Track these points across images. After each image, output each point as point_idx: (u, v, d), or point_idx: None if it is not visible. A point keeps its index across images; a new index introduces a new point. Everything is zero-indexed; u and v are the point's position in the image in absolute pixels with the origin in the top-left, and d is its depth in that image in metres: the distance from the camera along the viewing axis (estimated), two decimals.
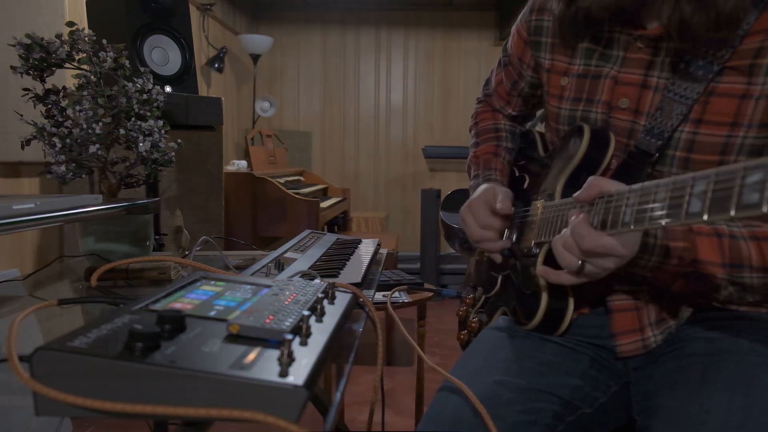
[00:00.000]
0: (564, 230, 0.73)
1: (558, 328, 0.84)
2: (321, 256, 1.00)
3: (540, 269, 0.77)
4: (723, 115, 0.76)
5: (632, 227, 0.62)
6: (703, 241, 0.73)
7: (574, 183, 0.84)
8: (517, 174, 1.04)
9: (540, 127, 1.25)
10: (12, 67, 1.04)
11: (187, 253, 1.15)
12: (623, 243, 0.67)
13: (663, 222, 0.58)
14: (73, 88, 1.09)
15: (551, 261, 0.76)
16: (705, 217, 0.52)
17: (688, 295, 0.82)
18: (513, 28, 1.03)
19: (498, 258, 0.93)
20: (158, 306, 0.54)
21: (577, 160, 0.83)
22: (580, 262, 0.70)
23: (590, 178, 0.71)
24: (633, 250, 0.68)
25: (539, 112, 1.17)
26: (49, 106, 1.07)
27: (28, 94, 1.07)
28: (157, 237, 1.60)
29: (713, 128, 0.77)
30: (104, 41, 1.10)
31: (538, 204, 0.87)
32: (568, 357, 0.85)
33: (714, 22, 0.71)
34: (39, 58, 1.04)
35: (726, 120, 0.76)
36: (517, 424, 0.75)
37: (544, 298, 0.82)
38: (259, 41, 3.96)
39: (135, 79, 1.11)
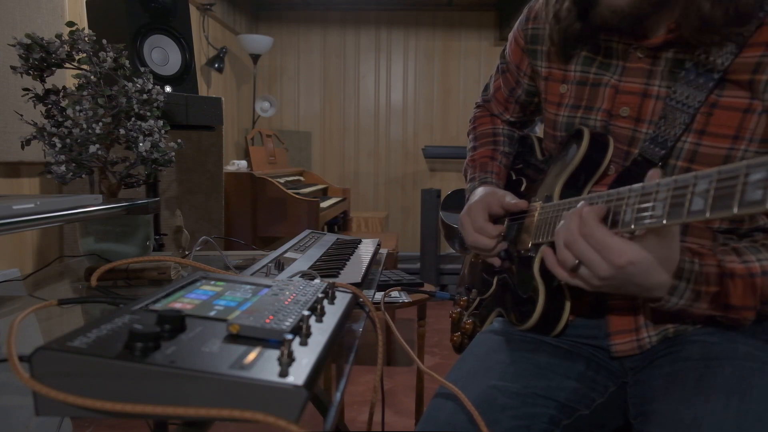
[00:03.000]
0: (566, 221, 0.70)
1: (554, 329, 0.84)
2: (321, 256, 1.00)
3: (543, 249, 0.76)
4: (726, 127, 0.76)
5: (633, 226, 0.62)
6: (737, 286, 0.71)
7: (573, 184, 0.84)
8: (513, 178, 1.04)
9: (539, 128, 1.25)
10: (12, 67, 1.04)
11: (187, 253, 1.15)
12: (629, 257, 0.64)
13: (665, 221, 0.58)
14: (73, 88, 1.09)
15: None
16: (707, 214, 0.52)
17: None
18: (510, 35, 1.03)
19: (497, 261, 0.93)
20: (158, 306, 0.54)
21: (577, 162, 0.84)
22: (576, 261, 0.69)
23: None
24: (626, 272, 0.65)
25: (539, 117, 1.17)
26: (49, 106, 1.07)
27: (28, 94, 1.07)
28: (157, 237, 1.60)
29: (716, 140, 0.77)
30: (104, 41, 1.10)
31: (536, 205, 0.87)
32: (564, 359, 0.85)
33: (733, 15, 0.71)
34: (39, 58, 1.04)
35: (729, 133, 0.76)
36: (512, 429, 0.74)
37: (541, 300, 0.82)
38: (259, 41, 3.96)
39: (135, 79, 1.11)
